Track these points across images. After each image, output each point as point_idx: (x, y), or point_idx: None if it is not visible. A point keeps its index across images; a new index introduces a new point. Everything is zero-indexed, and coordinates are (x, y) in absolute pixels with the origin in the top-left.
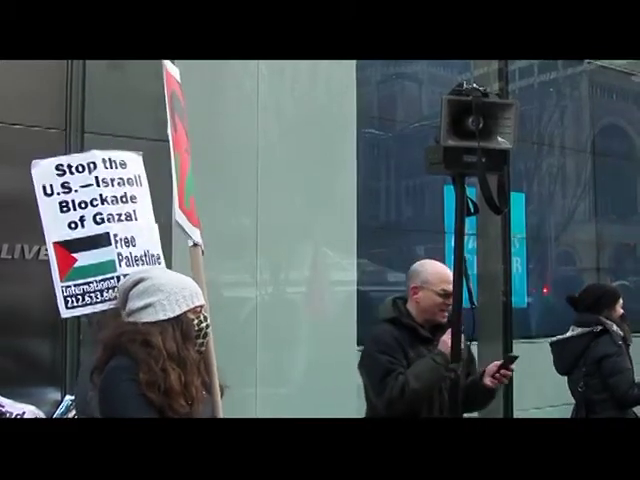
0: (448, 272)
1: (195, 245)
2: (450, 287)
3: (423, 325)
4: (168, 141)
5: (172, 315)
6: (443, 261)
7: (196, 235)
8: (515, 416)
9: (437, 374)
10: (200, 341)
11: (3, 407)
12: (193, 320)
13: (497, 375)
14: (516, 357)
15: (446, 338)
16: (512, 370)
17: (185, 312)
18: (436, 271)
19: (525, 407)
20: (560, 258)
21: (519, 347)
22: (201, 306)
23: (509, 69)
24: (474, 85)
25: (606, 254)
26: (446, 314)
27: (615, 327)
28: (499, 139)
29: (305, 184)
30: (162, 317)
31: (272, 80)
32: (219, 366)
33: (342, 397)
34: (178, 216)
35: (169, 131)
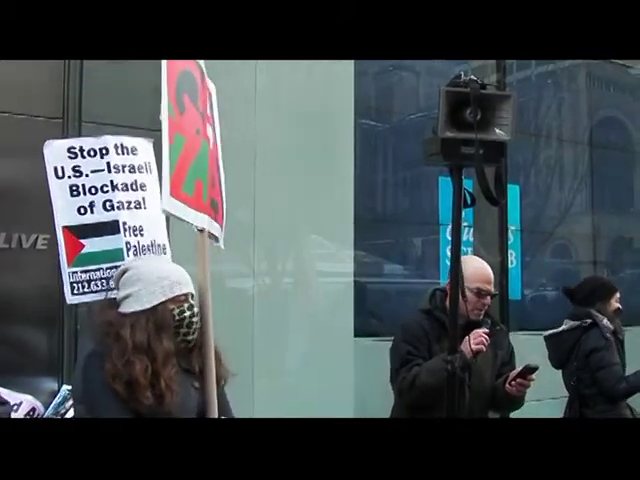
0: (486, 271)
1: (201, 231)
2: (486, 286)
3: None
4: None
5: (148, 306)
6: (437, 253)
7: (200, 221)
8: None
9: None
10: (184, 330)
11: (0, 397)
12: (173, 310)
13: (513, 383)
14: (535, 368)
15: (469, 338)
16: (530, 380)
17: (163, 302)
18: (474, 268)
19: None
20: (556, 251)
21: (513, 339)
22: (186, 295)
23: (507, 61)
24: (472, 77)
25: (603, 247)
26: (480, 313)
27: (605, 321)
28: (497, 131)
29: (302, 175)
30: (138, 308)
31: (270, 71)
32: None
33: (339, 388)
34: (167, 204)
35: (164, 115)
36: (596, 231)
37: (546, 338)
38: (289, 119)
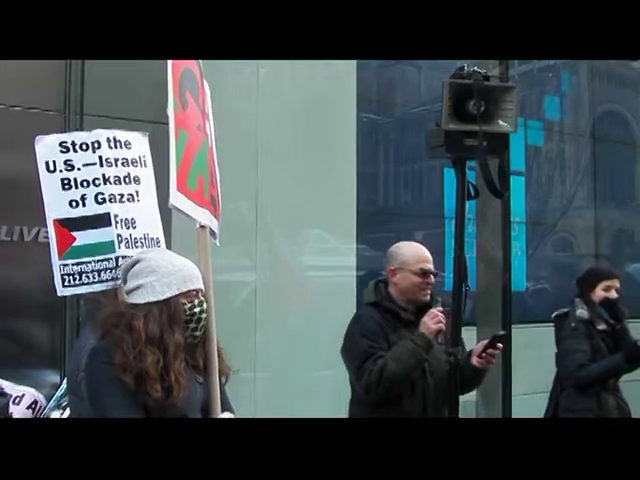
0: (424, 251)
1: (202, 227)
2: (427, 265)
3: (406, 307)
4: (166, 123)
5: (161, 298)
6: (443, 245)
7: (203, 216)
8: (513, 401)
9: (417, 356)
10: (193, 326)
11: (3, 389)
12: (184, 304)
13: (484, 354)
14: (503, 335)
15: (427, 319)
16: (499, 349)
17: (176, 295)
18: (412, 251)
19: (523, 392)
20: (558, 244)
21: (516, 331)
22: (197, 290)
23: None
24: (475, 68)
25: (605, 240)
26: (428, 293)
27: (580, 310)
28: (500, 123)
29: (304, 168)
30: (151, 299)
31: (271, 65)
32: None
33: (341, 382)
34: (174, 199)
35: (170, 110)
36: (598, 224)
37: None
38: (291, 113)
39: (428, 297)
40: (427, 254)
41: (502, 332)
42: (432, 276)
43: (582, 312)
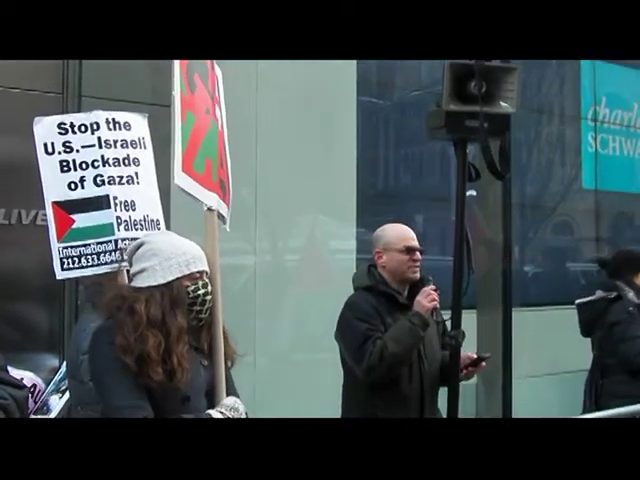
0: (407, 230)
1: (210, 210)
2: (412, 242)
3: (400, 290)
4: (165, 105)
5: (163, 281)
6: (445, 229)
7: (210, 199)
8: (513, 384)
9: (415, 335)
10: (197, 308)
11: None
12: (187, 287)
13: (465, 371)
14: (487, 357)
15: (421, 298)
16: (481, 368)
17: (178, 278)
18: (395, 231)
19: (523, 375)
20: (558, 227)
21: (517, 315)
22: (201, 272)
23: None
24: None
25: (605, 223)
26: (417, 270)
27: (631, 294)
28: (502, 104)
29: (304, 152)
30: (152, 283)
31: None
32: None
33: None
34: (179, 179)
35: (176, 91)
36: (599, 207)
37: (577, 306)
38: (290, 96)
39: (417, 274)
40: (410, 232)
41: (487, 354)
42: (418, 253)
43: (633, 296)
